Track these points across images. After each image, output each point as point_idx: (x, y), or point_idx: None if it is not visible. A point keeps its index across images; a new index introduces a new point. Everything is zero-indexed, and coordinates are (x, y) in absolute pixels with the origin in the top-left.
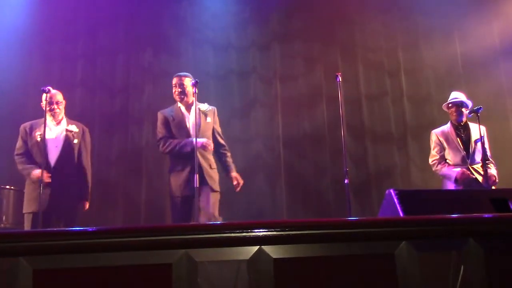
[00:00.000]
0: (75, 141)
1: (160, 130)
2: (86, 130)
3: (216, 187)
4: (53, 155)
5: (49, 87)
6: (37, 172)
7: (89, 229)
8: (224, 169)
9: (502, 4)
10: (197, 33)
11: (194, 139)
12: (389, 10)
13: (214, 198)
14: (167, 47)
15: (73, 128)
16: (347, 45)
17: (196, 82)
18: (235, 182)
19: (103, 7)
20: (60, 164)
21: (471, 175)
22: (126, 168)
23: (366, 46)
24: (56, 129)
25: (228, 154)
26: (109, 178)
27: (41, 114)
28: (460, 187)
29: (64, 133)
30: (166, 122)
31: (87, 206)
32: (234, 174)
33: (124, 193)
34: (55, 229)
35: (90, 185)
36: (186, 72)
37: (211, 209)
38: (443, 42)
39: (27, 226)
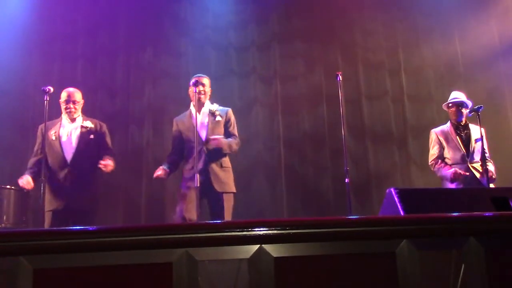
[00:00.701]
0: (91, 136)
1: (172, 142)
2: (103, 125)
3: (226, 189)
4: (68, 153)
5: (50, 87)
6: (21, 180)
7: (90, 228)
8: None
9: (502, 4)
10: (197, 33)
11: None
12: (389, 9)
13: (228, 203)
14: (167, 47)
15: (88, 124)
16: (347, 45)
17: (196, 81)
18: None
19: (104, 7)
20: (76, 161)
21: (465, 173)
22: (126, 168)
23: (366, 46)
24: (70, 127)
25: (234, 141)
26: (110, 178)
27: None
28: (460, 186)
29: (79, 129)
30: (178, 131)
31: (109, 165)
32: (213, 136)
33: (124, 193)
34: (55, 228)
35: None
36: (186, 72)
37: (225, 215)
38: (443, 41)
39: (46, 224)
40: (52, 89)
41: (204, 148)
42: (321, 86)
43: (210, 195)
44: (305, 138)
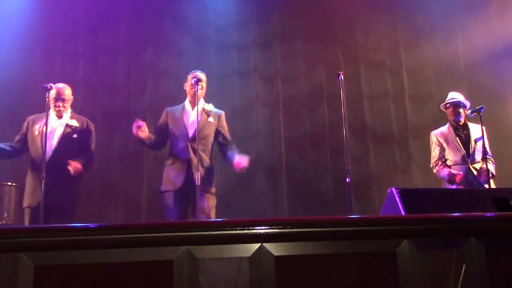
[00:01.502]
0: (74, 135)
1: (157, 126)
2: (91, 125)
3: (210, 189)
4: (48, 150)
5: (51, 84)
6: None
7: (91, 225)
8: (228, 162)
9: (504, 3)
10: (199, 32)
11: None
12: (390, 9)
13: (210, 202)
14: (168, 46)
15: (74, 122)
16: (348, 44)
17: (197, 80)
18: (236, 167)
19: (105, 5)
20: (55, 159)
21: (459, 173)
22: (127, 166)
23: (367, 46)
24: (56, 123)
25: (233, 146)
26: (111, 176)
27: (44, 109)
28: (461, 186)
29: (63, 128)
30: (165, 120)
31: (74, 166)
32: (235, 160)
33: (125, 191)
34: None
35: (82, 164)
36: (187, 71)
37: (206, 209)
38: (444, 41)
39: (25, 220)
40: (53, 87)
41: (189, 145)
42: (322, 86)
43: (188, 192)
44: (306, 138)
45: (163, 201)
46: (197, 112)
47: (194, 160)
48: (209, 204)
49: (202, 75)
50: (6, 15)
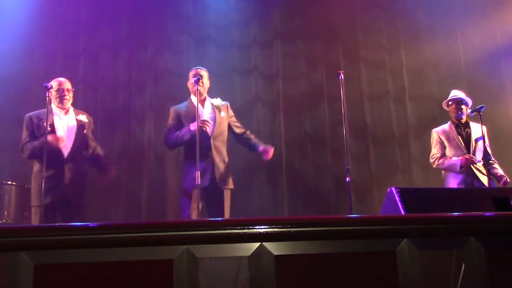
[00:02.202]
0: (85, 131)
1: (169, 125)
2: (91, 120)
3: (228, 185)
4: (66, 144)
5: (52, 83)
6: (52, 136)
7: (91, 224)
8: (252, 149)
9: (505, 3)
10: (199, 30)
11: (194, 126)
12: (391, 8)
13: (227, 198)
14: (169, 45)
15: (83, 118)
16: (349, 44)
17: (198, 79)
18: (264, 156)
19: (105, 4)
20: (73, 155)
21: (472, 156)
22: (128, 165)
23: (368, 45)
24: (66, 119)
25: (251, 136)
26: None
27: (43, 106)
28: (463, 185)
29: (75, 122)
30: (178, 118)
31: (113, 172)
32: (261, 148)
33: (125, 190)
34: (56, 224)
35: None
36: (188, 69)
37: (225, 213)
38: (445, 41)
39: (34, 220)
40: (64, 90)
41: (211, 143)
42: (322, 85)
43: (211, 191)
44: (306, 137)
45: (184, 198)
46: (211, 110)
47: (216, 157)
48: (228, 203)
49: (203, 72)
50: (6, 14)
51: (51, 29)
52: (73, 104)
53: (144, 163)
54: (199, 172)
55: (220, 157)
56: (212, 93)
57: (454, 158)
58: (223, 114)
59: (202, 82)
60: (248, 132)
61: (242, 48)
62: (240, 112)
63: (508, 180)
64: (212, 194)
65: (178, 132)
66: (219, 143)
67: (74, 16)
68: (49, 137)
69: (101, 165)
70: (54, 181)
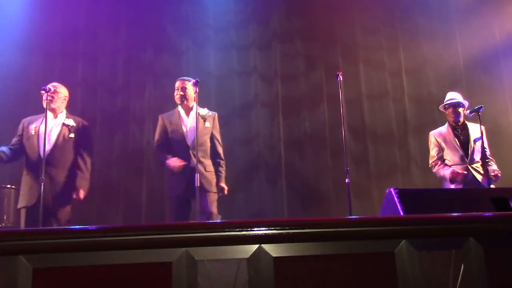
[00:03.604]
0: (71, 135)
1: (157, 136)
2: (86, 124)
3: (212, 188)
4: (45, 149)
5: (50, 86)
6: None
7: (90, 227)
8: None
9: (503, 3)
10: (198, 32)
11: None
12: (390, 9)
13: (211, 198)
14: (168, 47)
15: (70, 122)
16: (347, 44)
17: (197, 81)
18: (220, 194)
19: (104, 6)
20: (52, 158)
21: (463, 171)
22: (126, 168)
23: (367, 46)
24: (52, 123)
25: (222, 163)
26: (110, 178)
27: (42, 111)
28: (460, 186)
29: (60, 127)
30: (164, 127)
31: (81, 194)
32: (222, 184)
33: (124, 192)
34: (55, 227)
35: (88, 176)
36: (187, 71)
37: (209, 207)
38: (444, 41)
39: (22, 221)
40: (52, 88)
41: (191, 152)
42: (321, 86)
43: (196, 196)
44: (306, 138)
45: (171, 206)
46: (194, 119)
47: (199, 166)
48: (210, 200)
49: (186, 83)
50: (5, 16)
51: (50, 31)
52: (71, 107)
53: (143, 165)
54: (198, 174)
55: (202, 166)
56: (210, 95)
57: (445, 171)
58: (207, 124)
59: (186, 95)
60: (222, 157)
61: (241, 49)
62: (239, 114)
63: (499, 174)
64: (198, 199)
65: (164, 158)
66: (200, 153)
67: (73, 19)
68: None
69: (74, 183)
70: (33, 184)
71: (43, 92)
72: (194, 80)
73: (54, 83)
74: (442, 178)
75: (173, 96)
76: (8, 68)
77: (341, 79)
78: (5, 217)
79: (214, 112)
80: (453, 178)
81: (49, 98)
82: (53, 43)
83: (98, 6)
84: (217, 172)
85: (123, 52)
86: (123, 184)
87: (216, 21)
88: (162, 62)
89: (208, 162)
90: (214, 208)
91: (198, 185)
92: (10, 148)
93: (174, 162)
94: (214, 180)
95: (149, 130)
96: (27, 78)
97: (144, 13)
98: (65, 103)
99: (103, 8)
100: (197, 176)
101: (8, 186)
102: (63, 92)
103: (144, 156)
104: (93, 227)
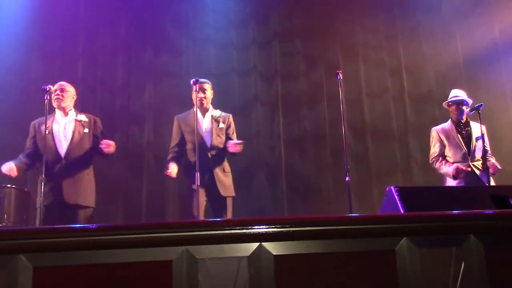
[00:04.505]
0: (86, 130)
1: (173, 137)
2: (98, 119)
3: (229, 193)
4: (62, 146)
5: (50, 86)
6: (4, 166)
7: (90, 226)
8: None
9: (504, 1)
10: (198, 31)
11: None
12: (390, 7)
13: (229, 206)
14: (167, 46)
15: (82, 117)
16: (348, 43)
17: (197, 80)
18: (232, 149)
19: (104, 5)
20: (70, 155)
21: (467, 168)
22: (127, 167)
23: (367, 44)
24: (64, 120)
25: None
26: (110, 176)
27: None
28: (461, 184)
29: (73, 123)
30: (179, 128)
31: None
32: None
33: (124, 191)
34: (55, 226)
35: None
36: (187, 70)
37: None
38: (444, 39)
39: (38, 221)
40: (52, 88)
41: (209, 154)
42: (321, 85)
43: (214, 199)
44: (306, 137)
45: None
46: (210, 121)
47: (215, 168)
48: (231, 210)
49: (205, 85)
50: (5, 16)
51: (50, 31)
52: (75, 106)
53: (143, 164)
54: (198, 173)
55: (220, 167)
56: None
57: (447, 167)
58: (221, 125)
59: (206, 97)
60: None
61: (241, 49)
62: (239, 113)
63: (499, 166)
64: (213, 203)
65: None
66: (217, 154)
67: (73, 18)
68: (3, 168)
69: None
70: (53, 182)
71: (51, 90)
72: (194, 79)
73: (62, 82)
74: (444, 174)
75: (173, 95)
76: (8, 66)
77: (341, 78)
78: (5, 217)
79: (228, 114)
80: (457, 174)
81: (59, 97)
82: (53, 42)
83: (98, 6)
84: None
85: (123, 52)
86: (123, 183)
87: (216, 20)
88: (162, 61)
89: (225, 162)
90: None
91: (198, 184)
92: (26, 155)
93: (172, 170)
94: (232, 183)
95: (149, 129)
96: (27, 77)
97: (144, 12)
98: (73, 102)
99: (103, 8)
100: (197, 175)
101: (9, 185)
102: (71, 91)
103: (144, 155)
104: (94, 225)
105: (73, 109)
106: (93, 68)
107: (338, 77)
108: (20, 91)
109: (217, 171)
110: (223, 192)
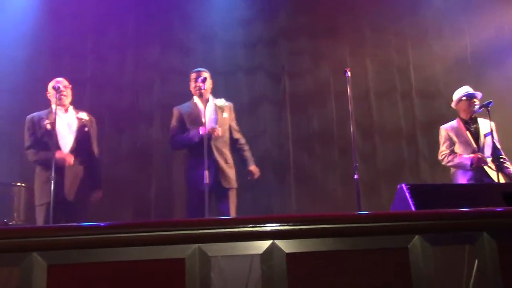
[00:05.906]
0: (86, 129)
1: (173, 126)
2: (94, 120)
3: (232, 184)
4: (67, 142)
5: (59, 84)
6: (61, 152)
7: (102, 224)
8: (242, 163)
9: None
10: (205, 29)
11: (203, 130)
12: (397, 5)
13: (231, 198)
14: (175, 44)
15: (83, 116)
16: (355, 41)
17: (205, 78)
18: (250, 176)
19: (112, 3)
20: (75, 151)
21: (486, 160)
22: (135, 164)
23: (374, 42)
24: (66, 117)
25: (246, 147)
26: (119, 174)
27: (48, 107)
28: (472, 181)
29: (76, 120)
30: (181, 118)
31: (101, 194)
32: (252, 167)
33: (134, 189)
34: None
35: (101, 174)
36: (194, 68)
37: (231, 212)
38: (452, 37)
39: (39, 218)
40: (61, 86)
41: (213, 145)
42: (329, 83)
43: (217, 191)
44: (314, 135)
45: (190, 202)
46: (213, 111)
47: (219, 158)
48: (230, 200)
49: (204, 73)
50: (13, 13)
51: (59, 29)
52: (80, 104)
53: (152, 162)
54: (206, 171)
55: (222, 158)
56: (217, 92)
57: (465, 156)
58: (225, 115)
59: (205, 86)
60: (243, 141)
61: (247, 46)
62: (246, 111)
63: None
64: (217, 194)
65: (186, 134)
66: (221, 144)
67: (81, 16)
68: (58, 154)
69: (94, 179)
70: (57, 179)
71: (56, 88)
72: (202, 77)
73: (59, 79)
74: (458, 165)
75: (180, 92)
76: (16, 66)
77: (349, 75)
78: (15, 215)
79: (230, 102)
80: (477, 163)
81: (64, 94)
82: (62, 40)
83: (106, 4)
84: (242, 158)
85: (131, 50)
86: (132, 180)
87: (223, 18)
88: (170, 59)
89: (228, 154)
90: (233, 212)
91: (208, 182)
92: (34, 152)
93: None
94: (233, 174)
95: (157, 126)
96: (35, 75)
97: (152, 10)
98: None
99: (110, 6)
100: (206, 173)
101: (18, 184)
102: (68, 84)
103: (153, 153)
104: (106, 223)
105: (70, 106)
106: (101, 66)
107: (346, 75)
108: (29, 88)
109: (220, 162)
110: (225, 184)
